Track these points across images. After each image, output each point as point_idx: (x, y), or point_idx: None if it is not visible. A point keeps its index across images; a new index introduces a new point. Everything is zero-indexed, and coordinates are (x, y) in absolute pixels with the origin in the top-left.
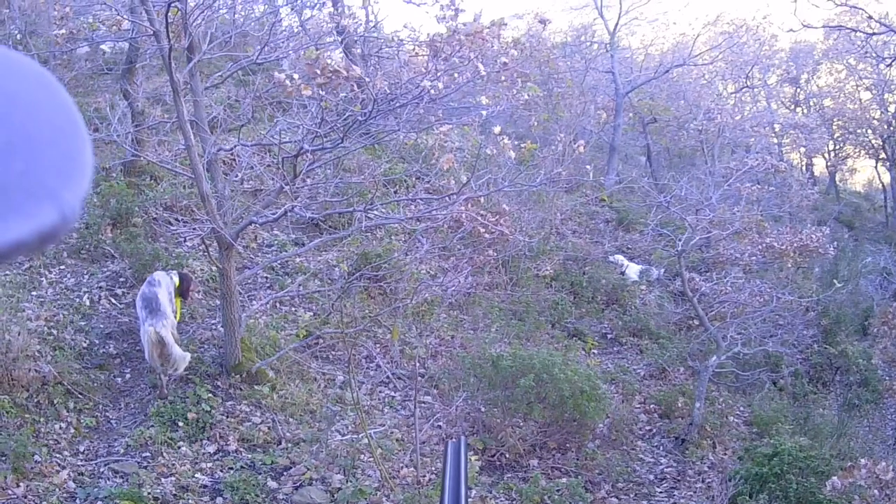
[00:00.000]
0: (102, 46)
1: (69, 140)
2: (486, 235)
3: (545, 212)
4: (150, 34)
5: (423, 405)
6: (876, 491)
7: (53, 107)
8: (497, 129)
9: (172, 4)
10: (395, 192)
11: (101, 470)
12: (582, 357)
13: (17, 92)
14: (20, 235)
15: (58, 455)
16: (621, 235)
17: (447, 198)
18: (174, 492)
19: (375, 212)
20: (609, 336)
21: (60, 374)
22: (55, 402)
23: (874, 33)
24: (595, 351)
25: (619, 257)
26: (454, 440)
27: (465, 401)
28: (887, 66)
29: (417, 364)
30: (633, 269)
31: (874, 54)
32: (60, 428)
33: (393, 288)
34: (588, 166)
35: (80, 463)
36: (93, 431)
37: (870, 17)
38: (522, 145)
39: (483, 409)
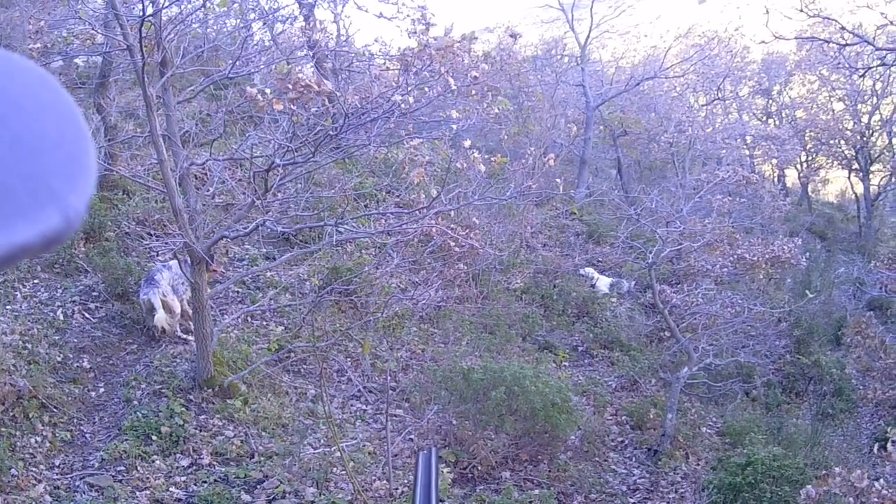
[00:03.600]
0: (76, 60)
1: (73, 143)
2: (457, 249)
3: (515, 225)
4: (124, 48)
5: (394, 418)
6: (851, 499)
7: (56, 110)
8: (467, 143)
9: (146, 19)
10: (366, 206)
11: (77, 484)
12: (553, 370)
13: (20, 95)
14: (25, 239)
15: (34, 469)
16: (592, 248)
17: (417, 212)
18: None
19: (346, 226)
20: (580, 348)
21: (35, 388)
22: (30, 416)
23: (847, 44)
24: (566, 363)
25: (590, 270)
26: (425, 451)
27: (436, 414)
28: (860, 76)
29: (388, 377)
30: (603, 282)
31: (847, 65)
32: (36, 442)
33: (364, 302)
34: (558, 179)
35: (55, 477)
36: (68, 445)
37: (842, 29)
38: (492, 159)
39: (454, 422)
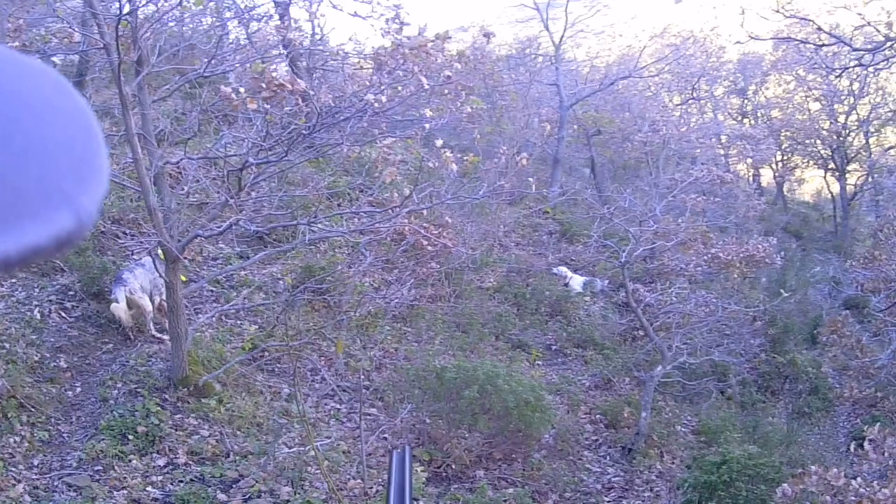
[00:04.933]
0: (54, 59)
1: (84, 143)
2: (429, 248)
3: (488, 224)
4: (101, 47)
5: (368, 417)
6: (828, 497)
7: (68, 110)
8: (439, 142)
9: (122, 18)
10: (339, 205)
11: (56, 484)
12: (526, 368)
13: (32, 96)
14: (37, 241)
15: (13, 469)
16: (565, 247)
17: (390, 210)
18: None
19: (319, 225)
20: (553, 347)
21: (13, 387)
22: (9, 415)
23: (824, 45)
24: (539, 362)
25: (563, 269)
26: (398, 451)
27: (410, 413)
28: (837, 77)
29: (362, 376)
30: (576, 281)
31: (824, 65)
32: (15, 442)
33: (337, 300)
34: (531, 179)
35: (34, 477)
36: (46, 445)
37: (819, 29)
38: (465, 158)
39: (428, 421)
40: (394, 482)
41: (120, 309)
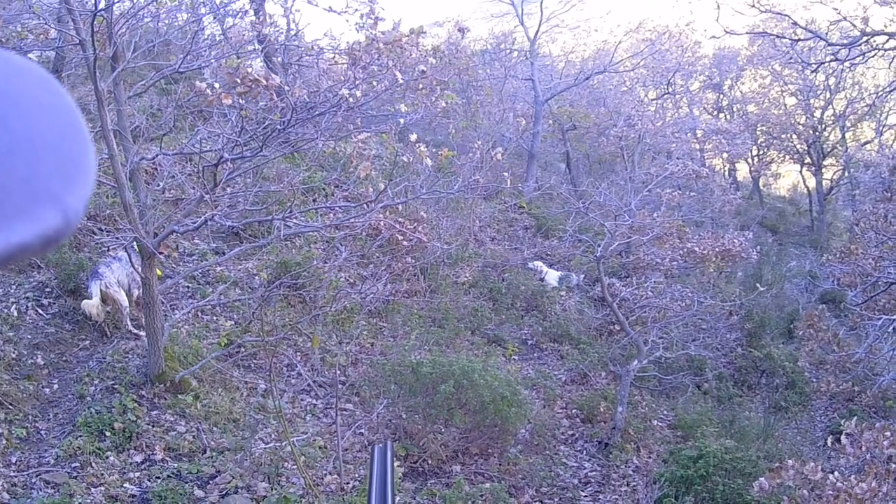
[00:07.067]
0: (30, 55)
1: (72, 143)
2: (405, 243)
3: (463, 219)
4: (76, 43)
5: (344, 413)
6: (805, 491)
7: (56, 110)
8: (414, 137)
9: (98, 13)
10: (314, 201)
11: (33, 481)
12: (502, 363)
13: (20, 96)
14: (23, 239)
15: None
16: (540, 242)
17: (365, 205)
18: (104, 501)
19: (294, 220)
20: (529, 342)
21: None
22: None
23: (799, 39)
24: (515, 357)
25: (539, 263)
26: (380, 445)
27: (386, 408)
28: (813, 71)
29: (338, 372)
30: (552, 276)
31: (800, 60)
32: None
33: (312, 296)
34: (506, 173)
35: (12, 474)
36: (23, 442)
37: (794, 24)
38: (440, 153)
39: (404, 416)
40: (375, 476)
41: (91, 305)
